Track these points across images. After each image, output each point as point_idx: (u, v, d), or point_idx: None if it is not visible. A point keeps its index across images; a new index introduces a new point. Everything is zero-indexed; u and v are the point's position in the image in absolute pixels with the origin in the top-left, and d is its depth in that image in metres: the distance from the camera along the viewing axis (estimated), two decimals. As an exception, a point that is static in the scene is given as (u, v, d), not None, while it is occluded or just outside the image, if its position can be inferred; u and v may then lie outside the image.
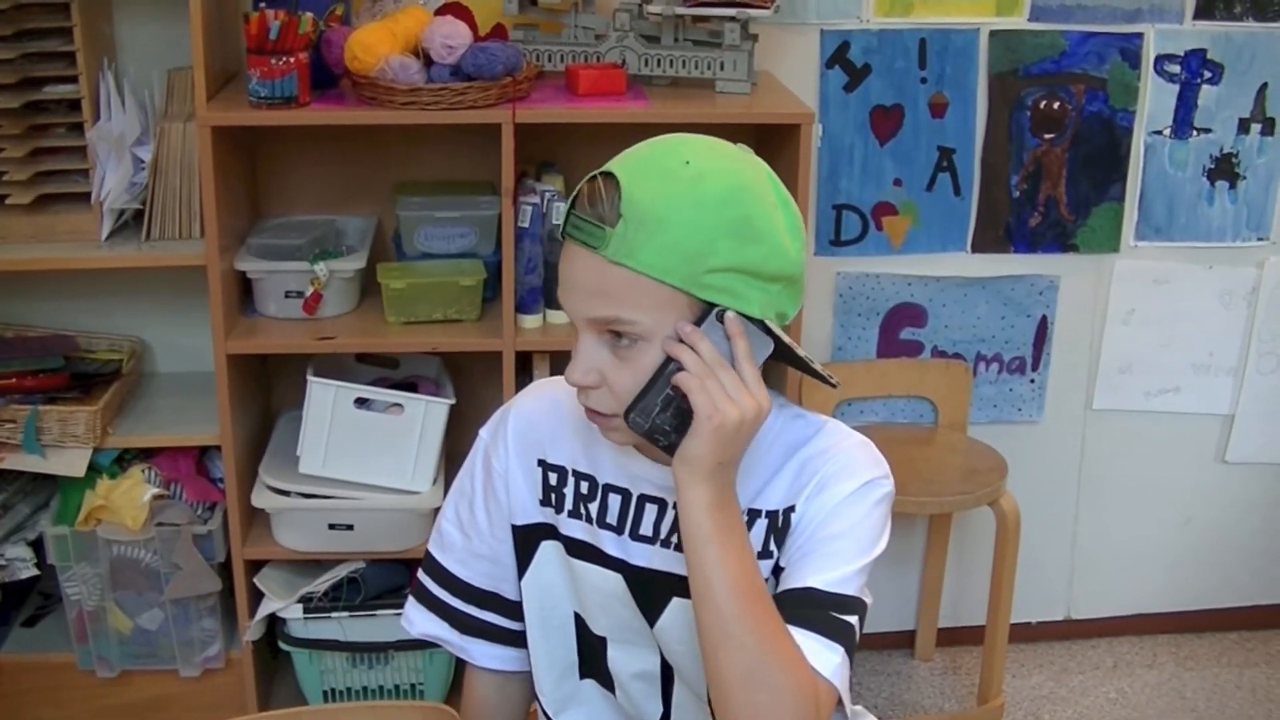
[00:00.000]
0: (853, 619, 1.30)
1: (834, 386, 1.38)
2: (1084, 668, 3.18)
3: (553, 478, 1.47)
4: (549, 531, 1.49)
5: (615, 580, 1.44)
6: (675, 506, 1.37)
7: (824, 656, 1.26)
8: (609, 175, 1.26)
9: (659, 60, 2.55)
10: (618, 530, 1.43)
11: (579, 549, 1.46)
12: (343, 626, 2.59)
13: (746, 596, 1.25)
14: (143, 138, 2.52)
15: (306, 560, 2.61)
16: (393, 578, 2.63)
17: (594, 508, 1.44)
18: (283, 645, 2.62)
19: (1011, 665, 3.11)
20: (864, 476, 1.35)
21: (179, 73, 2.56)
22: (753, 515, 1.37)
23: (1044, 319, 2.99)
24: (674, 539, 1.40)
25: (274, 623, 2.63)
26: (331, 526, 2.54)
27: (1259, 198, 2.96)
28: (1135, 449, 3.13)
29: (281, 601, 2.57)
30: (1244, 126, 2.91)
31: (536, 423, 1.49)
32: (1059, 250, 2.95)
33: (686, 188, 1.24)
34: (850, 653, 1.29)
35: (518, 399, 1.54)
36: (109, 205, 2.50)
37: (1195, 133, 2.90)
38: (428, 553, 1.58)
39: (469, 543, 1.54)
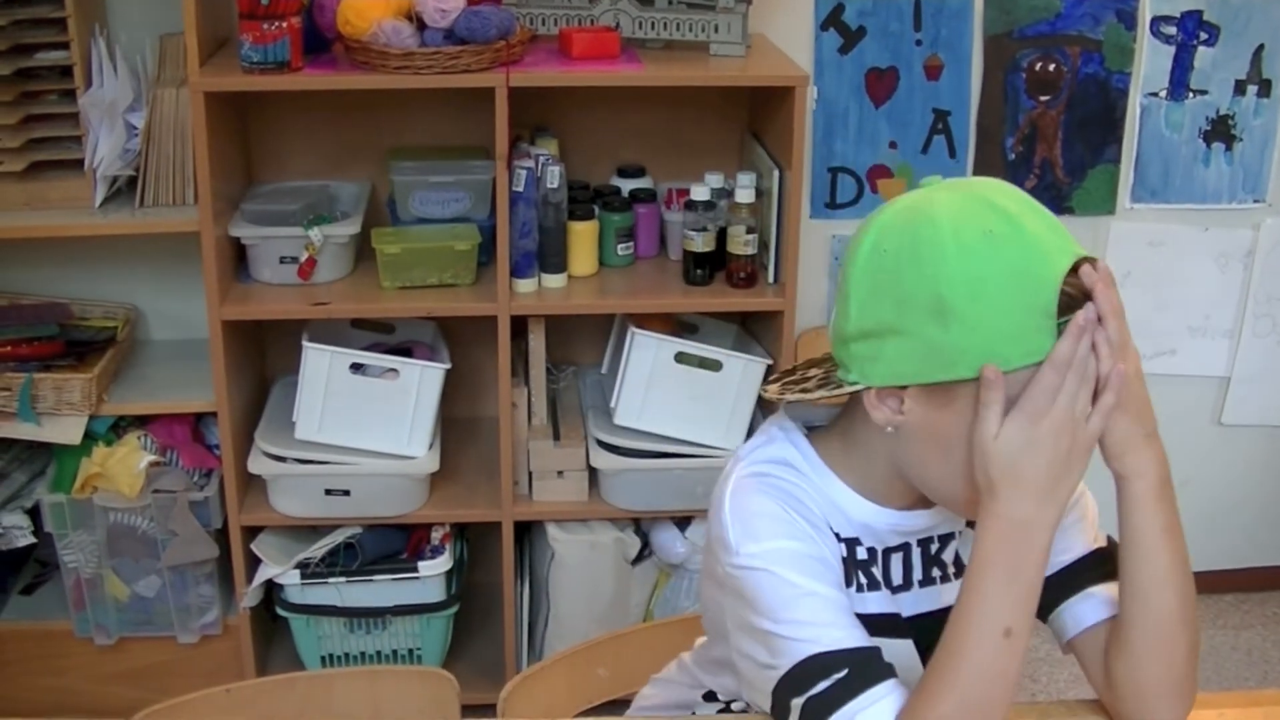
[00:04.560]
0: None
1: None
2: (1080, 630, 3.18)
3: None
4: None
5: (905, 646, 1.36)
6: (920, 545, 1.39)
7: None
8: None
9: (653, 23, 2.53)
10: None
11: None
12: (340, 592, 2.59)
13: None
14: (135, 104, 2.51)
15: (303, 526, 2.62)
16: (389, 543, 2.63)
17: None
18: (280, 611, 2.63)
19: (1008, 628, 3.12)
20: None
21: (171, 38, 2.54)
22: None
23: (1040, 282, 2.98)
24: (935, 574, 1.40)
25: (271, 589, 2.64)
26: (328, 492, 2.54)
27: (1255, 160, 2.96)
28: (1131, 412, 3.13)
29: (278, 567, 2.57)
30: (1240, 88, 2.90)
31: None
32: (1054, 212, 2.90)
33: None
34: None
35: None
36: (102, 172, 2.50)
37: (1191, 94, 2.89)
38: None
39: None
